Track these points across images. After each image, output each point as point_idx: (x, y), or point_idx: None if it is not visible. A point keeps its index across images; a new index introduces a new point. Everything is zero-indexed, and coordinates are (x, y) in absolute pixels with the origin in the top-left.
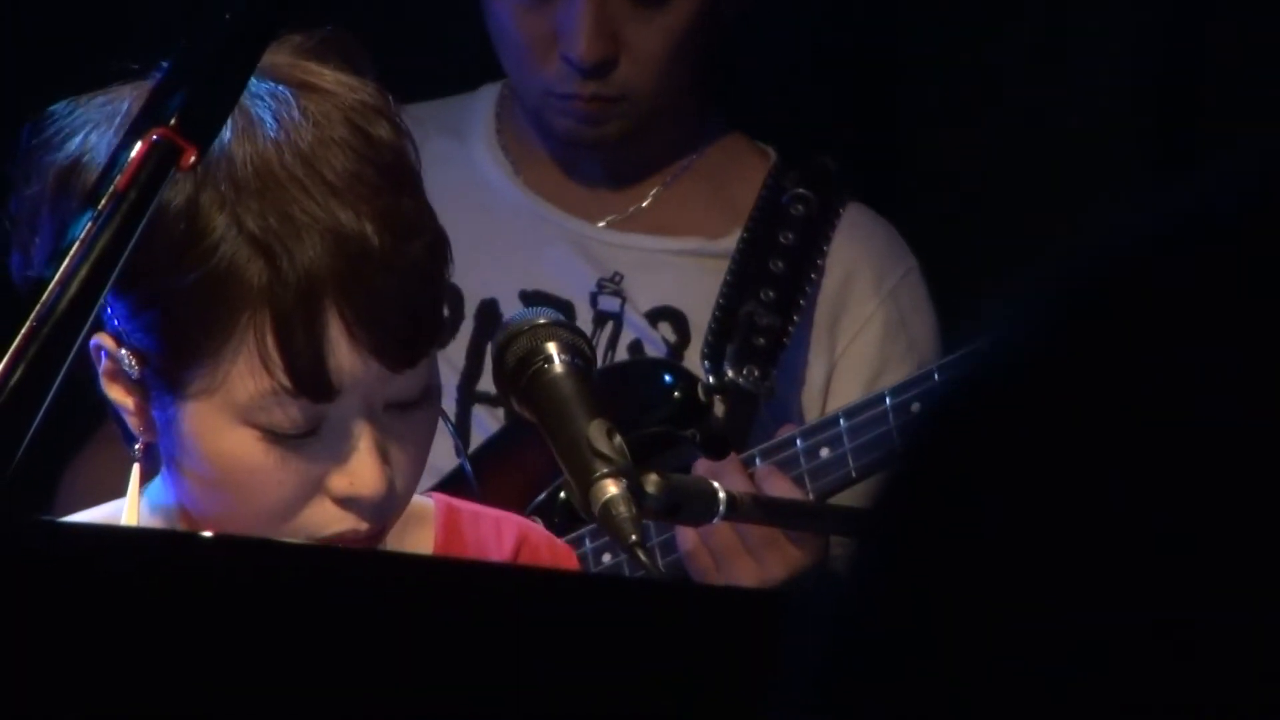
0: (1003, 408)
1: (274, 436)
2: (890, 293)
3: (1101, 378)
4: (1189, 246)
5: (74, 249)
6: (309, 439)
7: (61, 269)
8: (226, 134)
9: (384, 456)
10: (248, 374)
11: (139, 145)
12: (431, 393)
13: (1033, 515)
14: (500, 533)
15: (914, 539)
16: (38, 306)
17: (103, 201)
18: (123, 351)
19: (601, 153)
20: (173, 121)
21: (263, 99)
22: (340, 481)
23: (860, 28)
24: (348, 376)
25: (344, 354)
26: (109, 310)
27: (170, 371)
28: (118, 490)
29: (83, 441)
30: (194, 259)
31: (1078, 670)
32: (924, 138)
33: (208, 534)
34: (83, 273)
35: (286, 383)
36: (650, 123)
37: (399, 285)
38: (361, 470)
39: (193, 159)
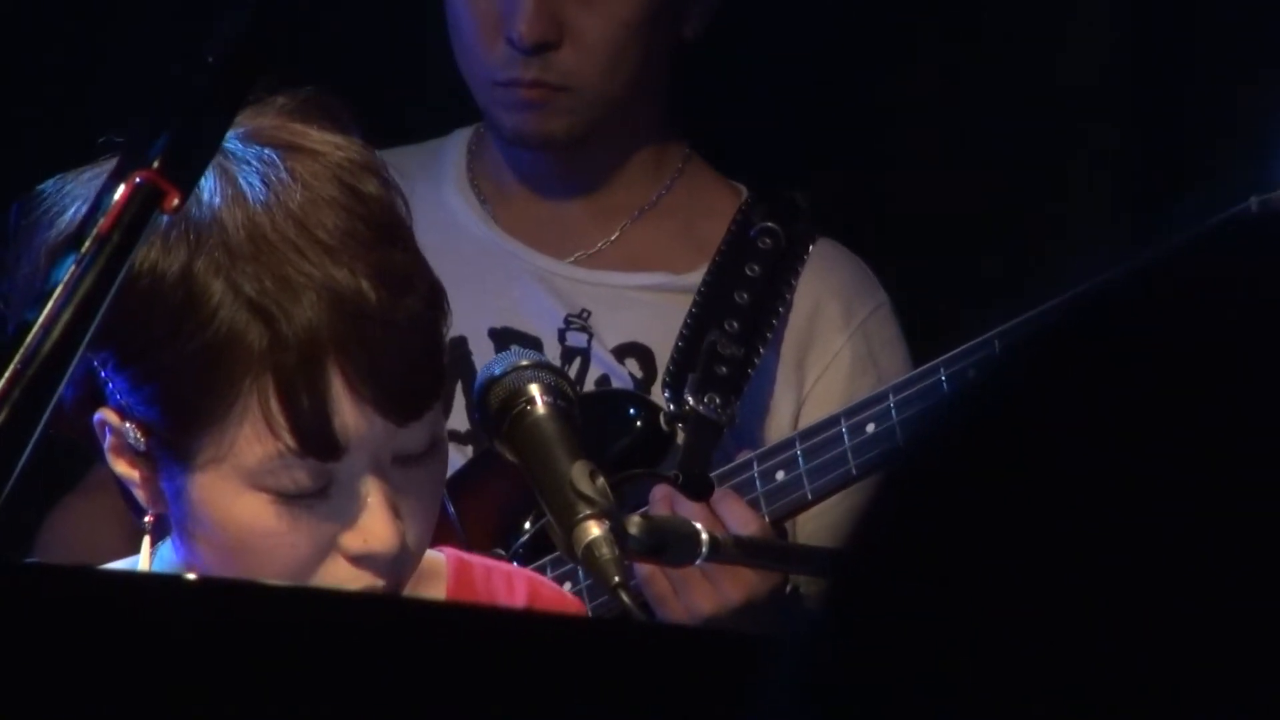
0: (973, 450)
1: (285, 499)
2: (859, 327)
3: (1067, 435)
4: (1151, 302)
5: (57, 292)
6: (319, 500)
7: (45, 312)
8: (217, 200)
9: (395, 512)
10: (254, 438)
11: (122, 188)
12: (438, 444)
13: (1007, 560)
14: (511, 586)
15: (886, 583)
16: (21, 350)
17: (86, 245)
18: (127, 425)
19: (563, 168)
20: (156, 164)
21: (250, 163)
22: (353, 540)
23: (836, 61)
24: (353, 434)
25: (348, 411)
26: (110, 385)
27: (177, 442)
28: (99, 540)
29: (63, 490)
30: (193, 327)
31: (1046, 714)
32: (901, 174)
33: (191, 576)
34: (66, 316)
35: (293, 444)
36: (599, 126)
37: (398, 339)
38: (374, 527)
39: (176, 201)
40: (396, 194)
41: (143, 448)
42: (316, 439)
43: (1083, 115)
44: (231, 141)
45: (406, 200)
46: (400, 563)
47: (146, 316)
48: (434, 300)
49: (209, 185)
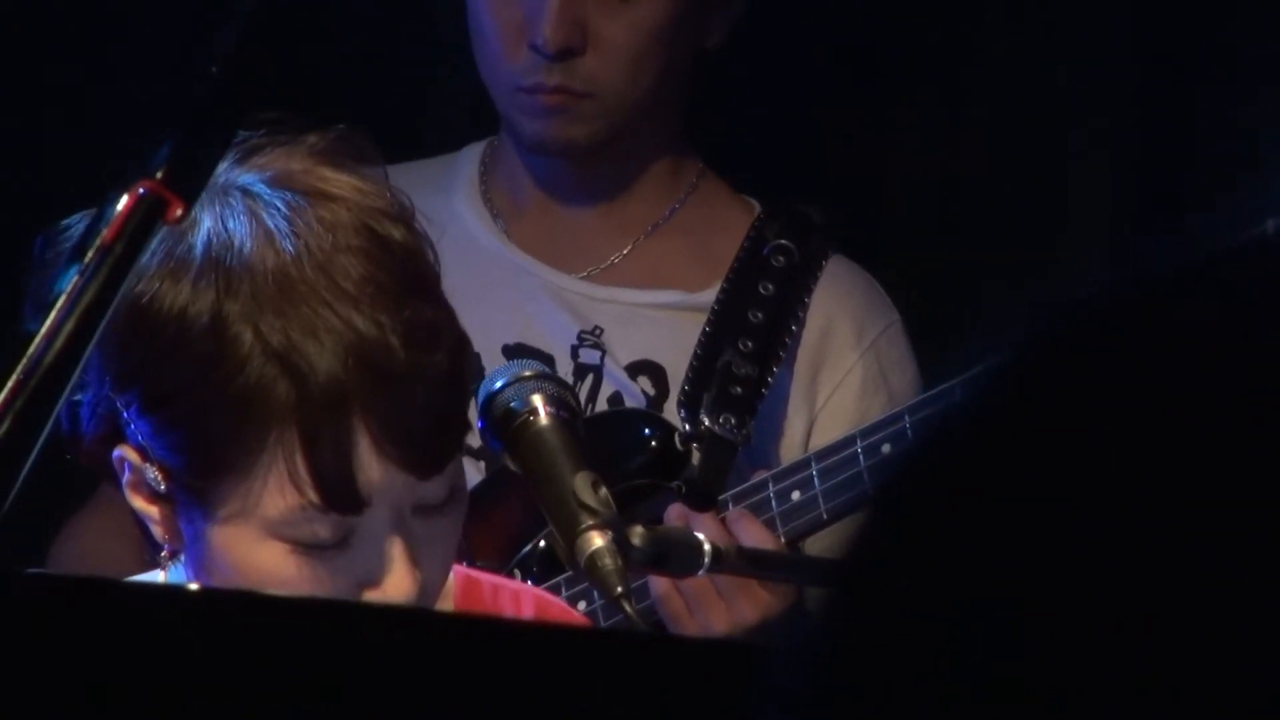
0: (974, 462)
1: (305, 549)
2: (871, 346)
3: (1071, 432)
4: (1147, 309)
5: (60, 302)
6: (340, 550)
7: (48, 322)
8: (248, 246)
9: (414, 562)
10: (277, 492)
11: (125, 198)
12: (458, 494)
13: (1004, 567)
14: (519, 604)
15: (885, 591)
16: (24, 360)
17: (89, 255)
18: (148, 467)
19: (578, 180)
20: (159, 174)
21: (278, 208)
22: (373, 592)
23: (848, 76)
24: (376, 488)
25: (372, 467)
26: (132, 426)
27: (198, 489)
28: (111, 556)
29: (76, 503)
30: (221, 378)
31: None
32: (912, 187)
33: (194, 586)
34: (69, 326)
35: (316, 499)
36: (619, 134)
37: (424, 396)
38: (393, 578)
39: (179, 212)
40: (425, 242)
41: (163, 489)
42: (340, 494)
43: (1086, 118)
44: (259, 185)
45: (435, 247)
46: None
47: (174, 363)
48: (460, 353)
49: (239, 230)
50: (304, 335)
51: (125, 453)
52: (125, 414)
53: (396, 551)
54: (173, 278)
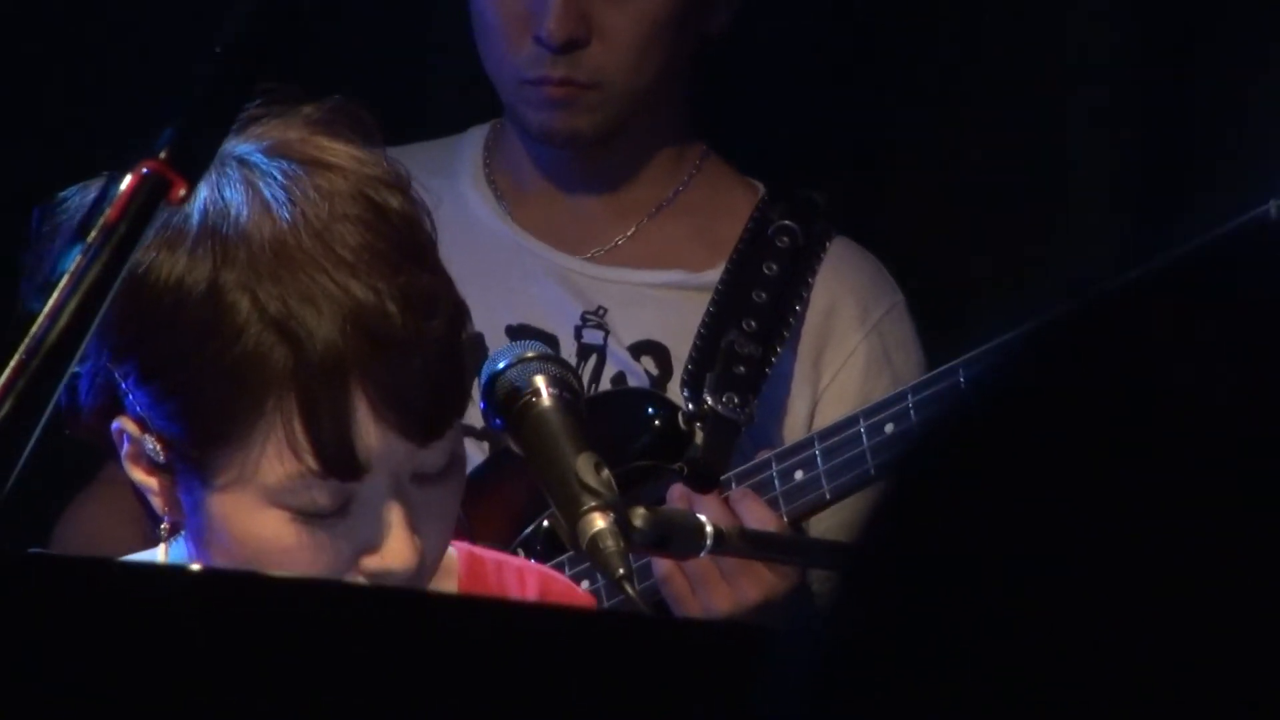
0: (984, 448)
1: (304, 517)
2: (874, 327)
3: (1079, 420)
4: (1164, 293)
5: (63, 281)
6: (339, 518)
7: (51, 301)
8: (244, 214)
9: (413, 530)
10: (276, 459)
11: (129, 178)
12: (456, 462)
13: (1015, 554)
14: (523, 581)
15: (897, 576)
16: (27, 339)
17: (92, 234)
18: (147, 437)
19: (582, 165)
20: (163, 154)
21: (275, 177)
22: (372, 559)
23: (842, 61)
24: (375, 455)
25: (370, 433)
26: (130, 397)
27: (197, 458)
28: (114, 536)
29: (79, 484)
30: (218, 346)
31: (1060, 709)
32: (914, 172)
33: (196, 566)
34: (72, 305)
35: (315, 465)
36: (624, 123)
37: (422, 362)
38: (393, 546)
39: (182, 192)
40: (422, 210)
41: (162, 460)
42: (338, 461)
43: (1087, 115)
44: (256, 155)
45: (432, 216)
46: (417, 579)
47: (171, 332)
48: (458, 321)
49: (235, 199)
50: (301, 302)
51: (124, 424)
52: (123, 385)
53: (396, 518)
54: (169, 247)
